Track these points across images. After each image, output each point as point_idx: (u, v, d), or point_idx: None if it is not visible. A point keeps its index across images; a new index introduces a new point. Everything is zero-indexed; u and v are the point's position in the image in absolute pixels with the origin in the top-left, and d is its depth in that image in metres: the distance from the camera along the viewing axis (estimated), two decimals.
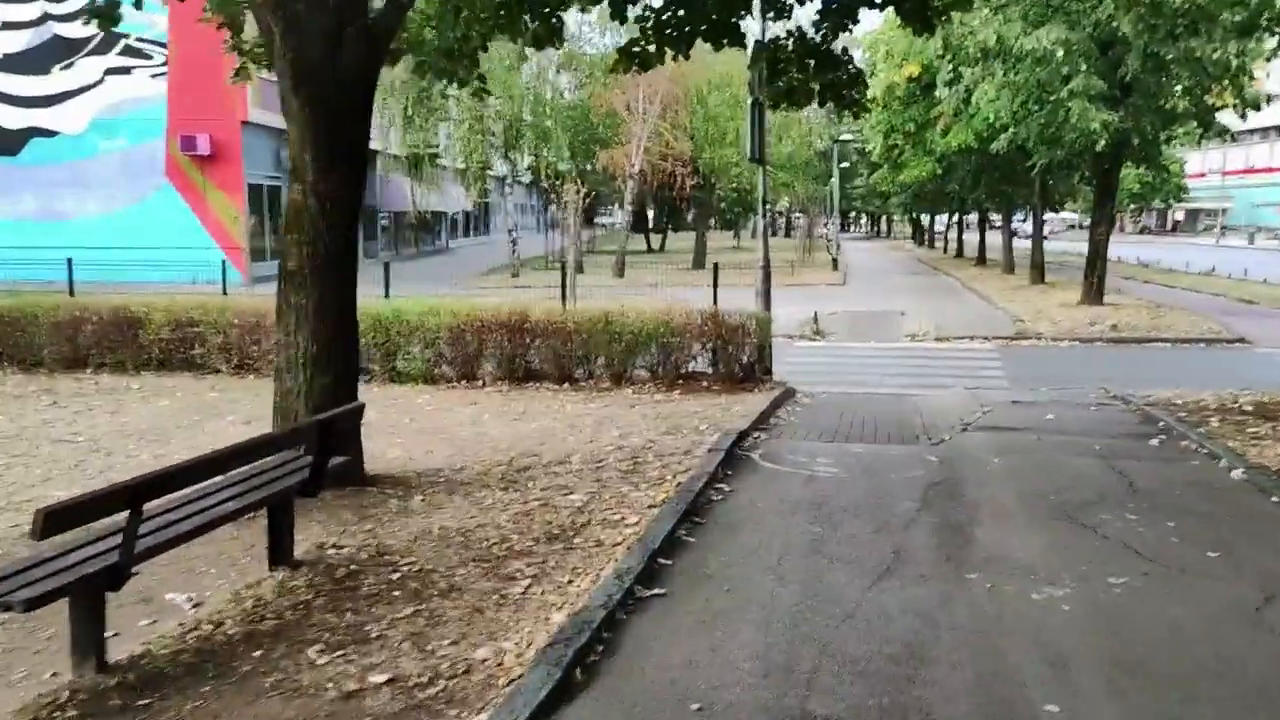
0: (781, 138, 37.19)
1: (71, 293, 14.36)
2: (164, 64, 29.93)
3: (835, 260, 39.09)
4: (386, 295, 14.25)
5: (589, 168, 37.84)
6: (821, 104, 9.30)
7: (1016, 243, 37.48)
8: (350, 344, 6.68)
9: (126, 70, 30.18)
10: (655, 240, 55.44)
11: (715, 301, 13.43)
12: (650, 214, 60.98)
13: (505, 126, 31.71)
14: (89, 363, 13.15)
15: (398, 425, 9.48)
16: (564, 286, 14.03)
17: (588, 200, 25.95)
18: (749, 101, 12.47)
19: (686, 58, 8.64)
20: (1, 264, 28.43)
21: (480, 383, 12.27)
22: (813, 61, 8.80)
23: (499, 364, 12.39)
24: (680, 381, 11.98)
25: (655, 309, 12.44)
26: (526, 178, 43.55)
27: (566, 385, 12.04)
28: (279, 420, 6.51)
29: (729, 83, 35.25)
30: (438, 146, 34.09)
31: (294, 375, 6.39)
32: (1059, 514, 6.58)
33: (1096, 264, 23.17)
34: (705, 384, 11.96)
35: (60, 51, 30.15)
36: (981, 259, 41.17)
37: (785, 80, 9.01)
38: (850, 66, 8.95)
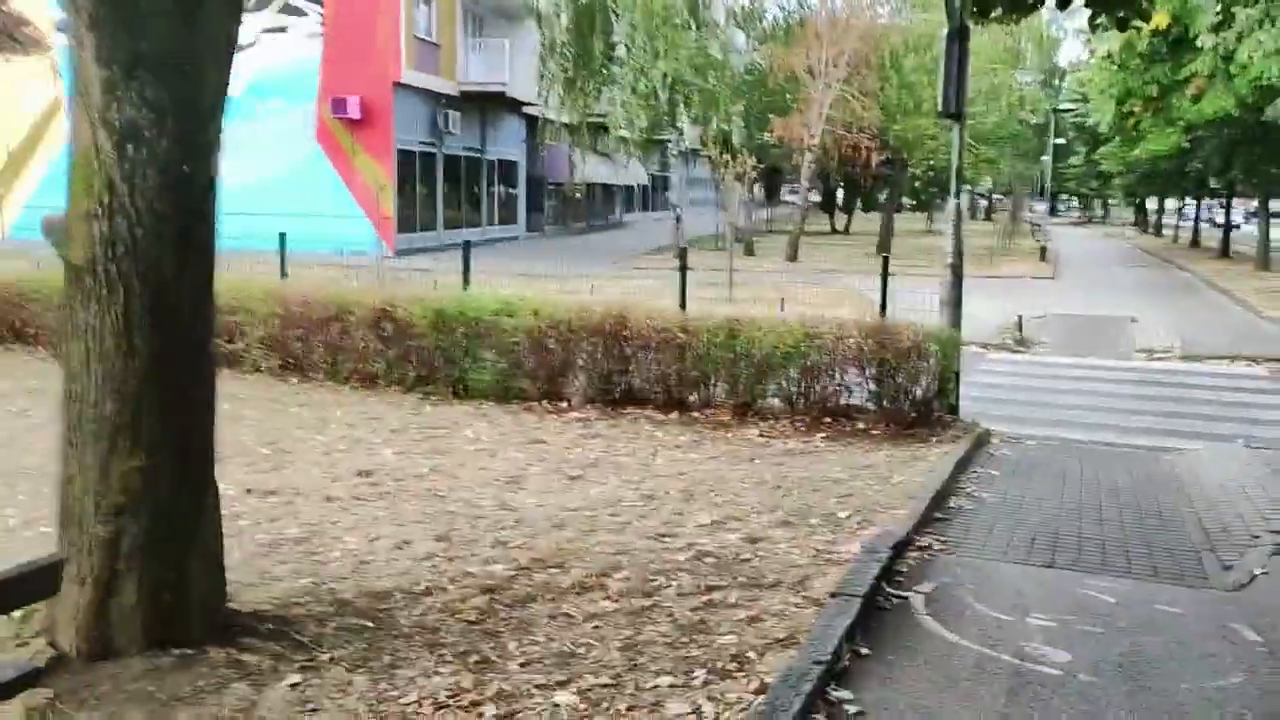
0: (987, 106, 32.66)
1: (283, 264, 12.14)
2: (319, 23, 28.45)
3: (1044, 248, 34.24)
4: (466, 283, 11.54)
5: (765, 139, 34.37)
6: (1063, 5, 5.83)
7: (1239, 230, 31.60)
8: (195, 397, 3.84)
9: (282, 30, 28.87)
10: (841, 221, 51.32)
11: (883, 307, 10.07)
12: (840, 192, 56.82)
13: (670, 90, 28.67)
14: None
15: (401, 484, 6.67)
16: (683, 283, 10.88)
17: (755, 174, 22.72)
18: (944, 32, 9.00)
19: None
20: None
21: (565, 404, 9.38)
22: None
23: (591, 380, 9.47)
24: (826, 420, 8.70)
25: (798, 319, 9.20)
26: (690, 148, 40.43)
27: (675, 414, 8.99)
28: (63, 525, 3.76)
29: (929, 45, 31.02)
30: (603, 115, 31.46)
31: (81, 450, 3.63)
32: None
33: None
34: (861, 425, 8.64)
35: None
36: (1225, 251, 35.28)
37: None
38: None
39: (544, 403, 9.42)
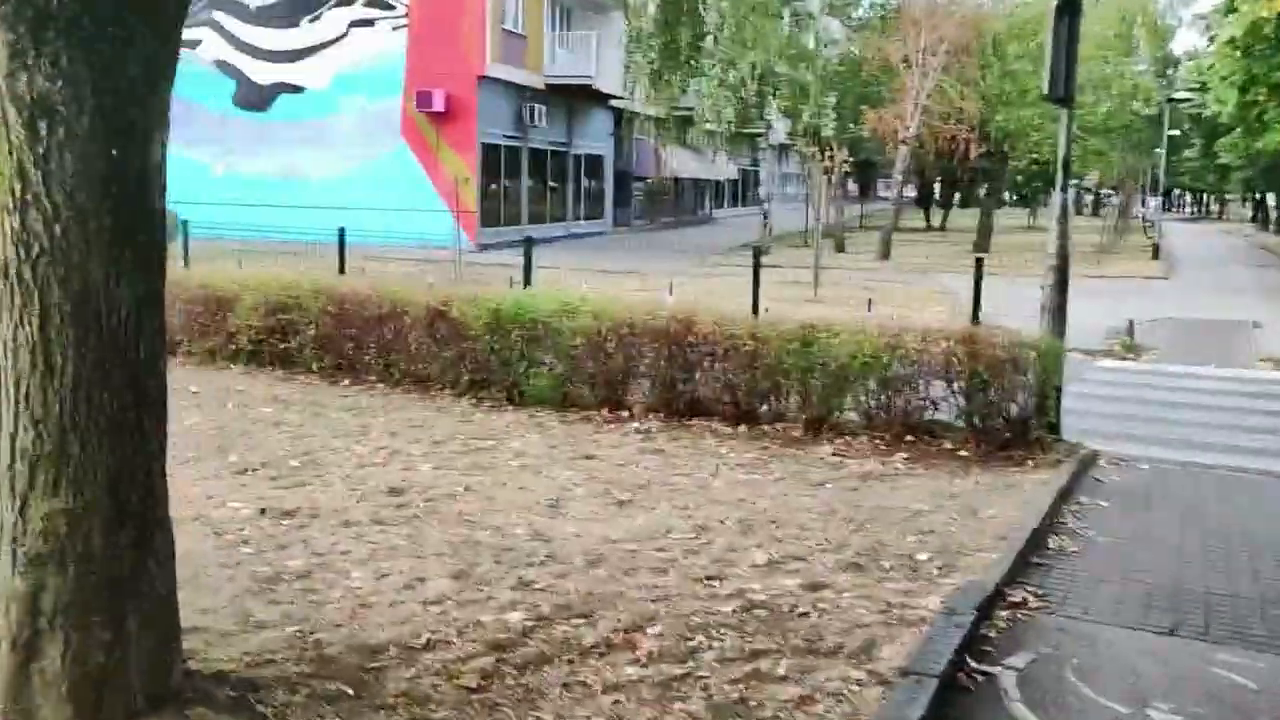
0: (1096, 96, 30.93)
1: (341, 259, 11.60)
2: (405, 15, 28.30)
3: (1155, 246, 32.34)
4: (527, 281, 10.95)
5: (858, 132, 33.17)
6: None
7: None
8: (135, 425, 3.25)
9: (369, 23, 28.83)
10: (937, 217, 49.60)
11: (976, 311, 9.16)
12: (937, 187, 55.04)
13: (759, 81, 27.75)
14: (177, 350, 10.76)
15: (430, 505, 6.08)
16: (756, 285, 10.08)
17: (847, 168, 21.74)
18: (1053, 5, 8.03)
19: None
20: (243, 224, 28.02)
21: (626, 413, 8.71)
22: None
23: (654, 387, 8.78)
24: (908, 438, 7.85)
25: (879, 325, 8.36)
26: (779, 141, 39.38)
27: (742, 428, 8.24)
28: None
29: (1035, 30, 29.49)
30: (690, 107, 30.70)
31: None
32: None
33: None
34: (948, 444, 7.76)
35: (309, 2, 29.19)
36: None
37: None
38: None
39: (603, 411, 8.76)
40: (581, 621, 4.31)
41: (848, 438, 7.95)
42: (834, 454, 7.58)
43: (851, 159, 26.43)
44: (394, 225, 27.84)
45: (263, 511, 5.71)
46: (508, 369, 9.19)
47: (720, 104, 27.95)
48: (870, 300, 16.19)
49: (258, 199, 29.04)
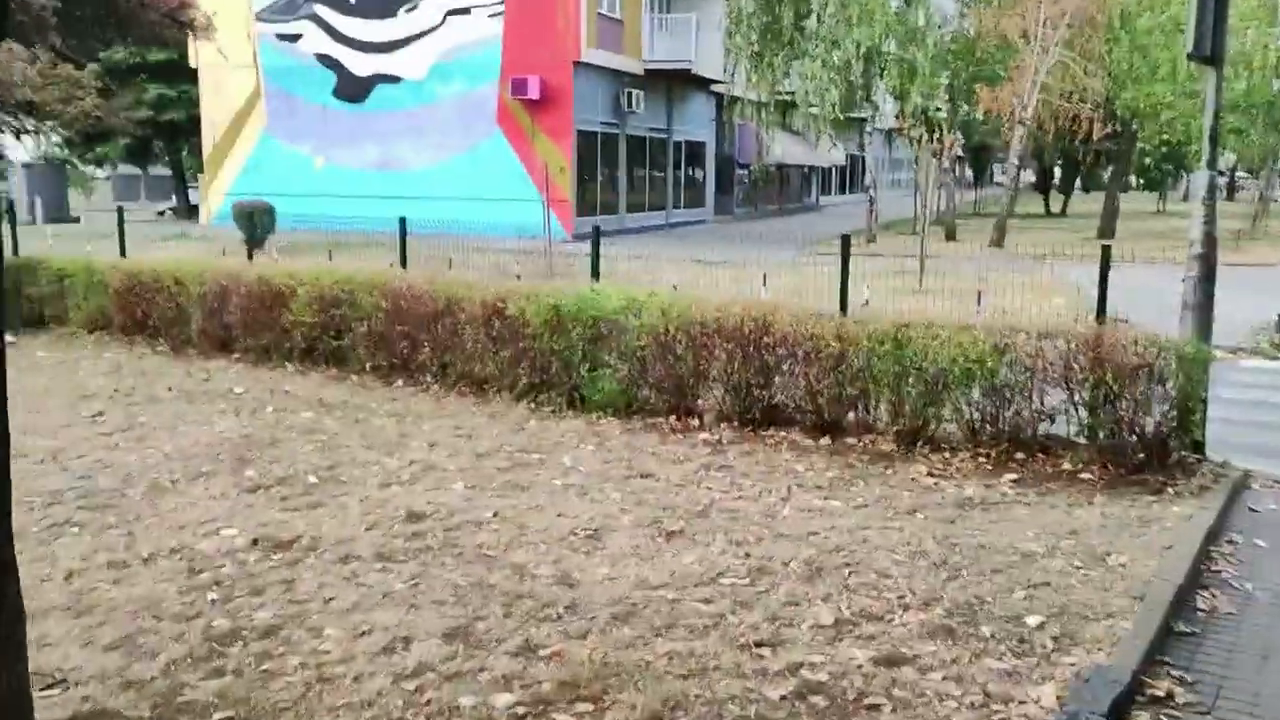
0: (1235, 70, 28.46)
1: (403, 251, 11.42)
2: (501, 2, 27.77)
3: None
4: (595, 274, 10.07)
5: (970, 113, 31.35)
6: None
7: None
8: None
9: (465, 11, 28.37)
10: (1057, 203, 47.00)
11: (1103, 306, 7.95)
12: (1056, 171, 52.30)
13: (865, 61, 26.30)
14: (235, 345, 10.28)
15: (450, 536, 5.28)
16: (844, 278, 8.97)
17: (960, 151, 20.29)
18: None
19: None
20: (340, 216, 27.97)
21: (696, 421, 7.80)
22: None
23: (727, 393, 7.83)
24: (1018, 457, 6.73)
25: (986, 326, 7.23)
26: (887, 126, 37.64)
27: (824, 440, 7.25)
28: None
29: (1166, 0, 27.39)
30: (793, 92, 29.44)
31: None
32: None
33: None
34: (1067, 465, 6.62)
35: None
36: None
37: None
38: None
39: (671, 419, 7.87)
40: (588, 710, 3.42)
41: (946, 454, 6.88)
42: (929, 474, 6.53)
43: (964, 142, 24.85)
44: (489, 215, 27.47)
45: (255, 542, 5.00)
46: (569, 371, 8.37)
47: (824, 86, 26.60)
48: (980, 292, 14.87)
49: (355, 190, 29.00)
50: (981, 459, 6.74)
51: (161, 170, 42.20)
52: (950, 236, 29.26)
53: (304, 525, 5.28)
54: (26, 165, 35.61)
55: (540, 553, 4.98)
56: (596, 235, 9.81)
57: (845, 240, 8.89)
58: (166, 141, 35.26)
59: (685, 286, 17.58)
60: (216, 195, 30.91)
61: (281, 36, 30.34)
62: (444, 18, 28.64)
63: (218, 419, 7.73)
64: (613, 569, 4.78)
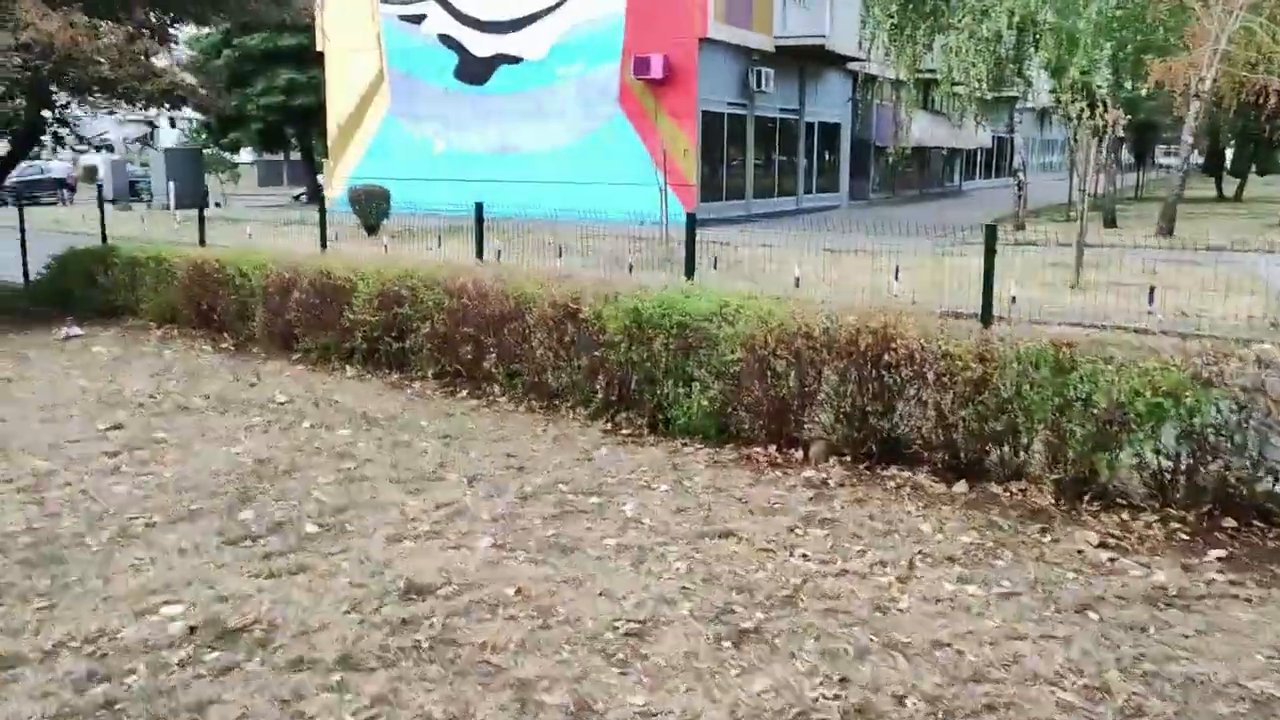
0: None
1: (479, 242, 10.01)
2: None
3: None
4: (689, 270, 8.66)
5: (1136, 88, 28.48)
6: None
7: None
8: None
9: None
10: (1229, 187, 42.98)
11: None
12: (1228, 152, 48.00)
13: (1018, 32, 24.00)
14: (296, 344, 9.33)
15: (448, 625, 4.04)
16: (988, 278, 7.30)
17: (1115, 128, 18.02)
18: None
19: None
20: (459, 201, 27.31)
21: (799, 453, 6.37)
22: None
23: (838, 421, 6.37)
24: (1228, 526, 5.06)
25: (1181, 348, 5.55)
26: (1040, 104, 34.83)
27: (959, 486, 5.73)
28: None
29: None
30: (935, 70, 27.27)
31: None
32: None
33: None
34: None
35: None
36: None
37: None
38: None
39: (770, 449, 6.46)
40: None
41: (1123, 516, 5.27)
42: (1101, 544, 4.94)
43: (1128, 118, 22.34)
44: (609, 200, 26.33)
45: (193, 630, 3.85)
46: (651, 387, 7.05)
47: (971, 61, 24.40)
48: (1152, 289, 12.86)
49: (475, 174, 28.29)
50: (1175, 525, 5.10)
51: (298, 155, 42.70)
52: (1110, 224, 26.66)
53: (269, 603, 4.11)
54: (167, 150, 36.35)
55: (559, 661, 3.68)
56: (691, 224, 8.38)
57: (990, 233, 7.22)
58: (297, 127, 35.41)
59: (810, 280, 16.05)
60: (340, 180, 30.70)
61: (404, 18, 29.84)
62: None
63: (243, 436, 6.71)
64: (651, 696, 3.44)
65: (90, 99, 11.23)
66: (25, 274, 13.57)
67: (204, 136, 37.92)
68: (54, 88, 11.45)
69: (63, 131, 12.61)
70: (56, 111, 12.05)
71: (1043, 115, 49.48)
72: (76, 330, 10.48)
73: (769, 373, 6.50)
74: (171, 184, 33.18)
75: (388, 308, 8.50)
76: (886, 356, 6.05)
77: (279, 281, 9.31)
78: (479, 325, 7.92)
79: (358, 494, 5.56)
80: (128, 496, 5.49)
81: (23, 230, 13.90)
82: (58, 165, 40.29)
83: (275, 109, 34.36)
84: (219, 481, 5.75)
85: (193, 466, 6.02)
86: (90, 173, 43.71)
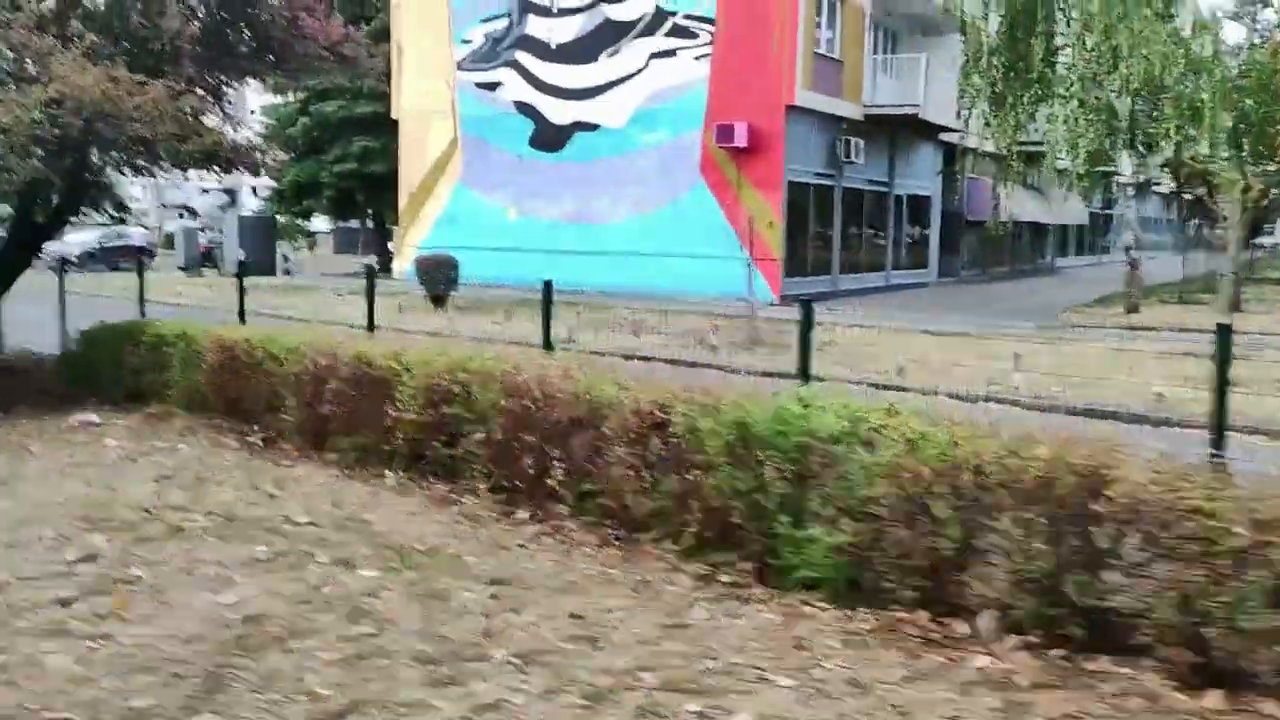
0: None
1: (547, 328, 8.41)
2: (709, 43, 25.46)
3: None
4: (804, 373, 7.02)
5: (1257, 161, 26.39)
6: None
7: None
8: None
9: (671, 53, 26.23)
10: None
11: None
12: None
13: (1132, 102, 22.24)
14: (329, 442, 7.93)
15: None
16: (1221, 393, 5.59)
17: (1263, 202, 16.18)
18: None
19: None
20: (532, 270, 26.23)
21: (966, 628, 4.71)
22: None
23: (1020, 588, 4.69)
24: None
25: None
26: (1155, 176, 32.81)
27: (1210, 699, 4.01)
28: None
29: None
30: (1038, 141, 25.60)
31: None
32: None
33: None
34: None
35: (608, 37, 27.08)
36: None
37: None
38: None
39: (921, 618, 4.82)
40: None
41: None
42: None
43: (1261, 191, 20.39)
44: (689, 273, 24.97)
45: None
46: (760, 523, 5.45)
47: (1081, 131, 22.61)
48: None
49: (549, 244, 27.23)
50: None
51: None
52: (1235, 307, 24.47)
53: None
54: (241, 218, 36.12)
55: None
56: (808, 315, 6.74)
57: (1223, 339, 5.43)
58: (370, 194, 34.92)
59: (918, 366, 14.36)
60: (410, 248, 29.86)
61: (481, 85, 29.16)
62: (648, 61, 26.61)
63: (239, 577, 5.25)
64: None
65: (124, 159, 10.16)
66: (64, 347, 12.53)
67: (278, 204, 37.67)
68: (93, 148, 10.41)
69: (101, 195, 11.62)
70: (93, 174, 11.03)
71: (1139, 189, 47.29)
72: (93, 418, 9.26)
73: (924, 516, 4.87)
74: (241, 252, 32.78)
75: (435, 406, 7.06)
76: (1097, 506, 4.39)
77: (313, 369, 7.95)
78: (544, 433, 6.42)
79: (365, 685, 4.03)
80: (58, 676, 4.04)
81: (62, 300, 12.92)
82: (139, 233, 40.48)
83: (348, 176, 33.90)
84: (188, 654, 4.28)
85: (161, 627, 4.57)
86: (171, 240, 43.87)
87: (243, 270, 11.84)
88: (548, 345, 8.00)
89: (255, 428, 8.69)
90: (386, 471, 7.42)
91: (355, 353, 7.75)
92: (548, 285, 8.02)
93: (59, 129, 9.34)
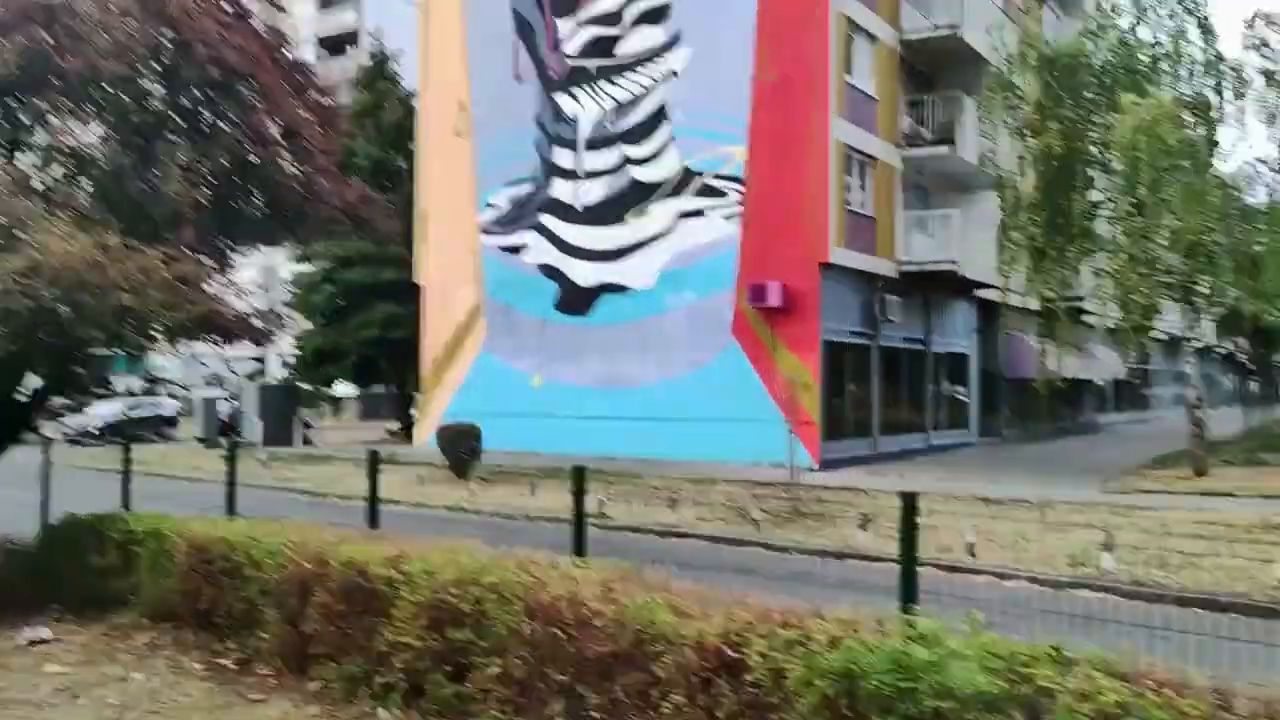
0: None
1: (579, 536, 6.71)
2: (739, 202, 24.90)
3: None
4: (908, 595, 5.45)
5: None
6: None
7: None
8: None
9: (699, 213, 25.66)
10: None
11: None
12: None
13: (1185, 254, 21.18)
14: (313, 669, 6.47)
15: None
16: None
17: None
18: None
19: None
20: (558, 438, 25.04)
21: None
22: None
23: None
24: None
25: None
26: (1208, 330, 31.63)
27: None
28: None
29: None
30: (1080, 296, 24.58)
31: None
32: None
33: None
34: None
35: (635, 198, 26.63)
36: None
37: None
38: None
39: None
40: None
41: None
42: None
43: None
44: (722, 438, 23.69)
45: None
46: None
47: (1130, 286, 21.48)
48: None
49: (576, 410, 26.12)
50: None
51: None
52: None
53: None
54: (261, 387, 35.36)
55: None
56: (909, 517, 5.26)
57: None
58: (393, 360, 34.21)
59: (983, 539, 12.84)
60: (433, 416, 28.80)
61: (505, 248, 28.69)
62: (676, 222, 26.04)
63: None
64: None
65: (110, 332, 9.11)
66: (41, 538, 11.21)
67: (301, 371, 37.02)
68: (73, 321, 9.35)
69: (80, 371, 10.54)
70: (78, 349, 9.97)
71: (1172, 344, 46.06)
72: (43, 633, 7.85)
73: None
74: (260, 421, 31.82)
75: (440, 629, 5.65)
76: None
77: (296, 577, 6.59)
78: (578, 670, 4.98)
79: None
80: None
81: (45, 483, 11.68)
82: (169, 403, 39.83)
83: (371, 343, 33.25)
84: None
85: None
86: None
87: (233, 446, 10.59)
88: (579, 550, 6.55)
89: (229, 645, 7.25)
90: (379, 709, 5.94)
91: (347, 557, 6.38)
92: (579, 473, 6.65)
93: (30, 299, 8.31)
